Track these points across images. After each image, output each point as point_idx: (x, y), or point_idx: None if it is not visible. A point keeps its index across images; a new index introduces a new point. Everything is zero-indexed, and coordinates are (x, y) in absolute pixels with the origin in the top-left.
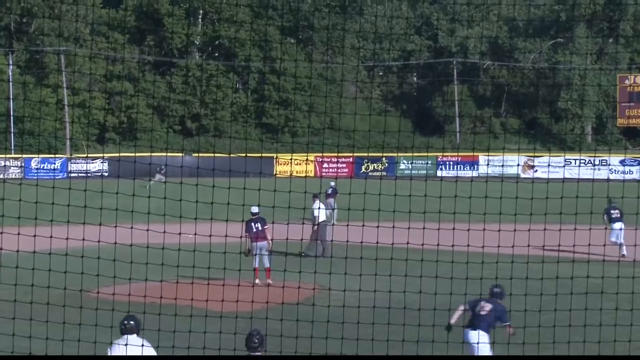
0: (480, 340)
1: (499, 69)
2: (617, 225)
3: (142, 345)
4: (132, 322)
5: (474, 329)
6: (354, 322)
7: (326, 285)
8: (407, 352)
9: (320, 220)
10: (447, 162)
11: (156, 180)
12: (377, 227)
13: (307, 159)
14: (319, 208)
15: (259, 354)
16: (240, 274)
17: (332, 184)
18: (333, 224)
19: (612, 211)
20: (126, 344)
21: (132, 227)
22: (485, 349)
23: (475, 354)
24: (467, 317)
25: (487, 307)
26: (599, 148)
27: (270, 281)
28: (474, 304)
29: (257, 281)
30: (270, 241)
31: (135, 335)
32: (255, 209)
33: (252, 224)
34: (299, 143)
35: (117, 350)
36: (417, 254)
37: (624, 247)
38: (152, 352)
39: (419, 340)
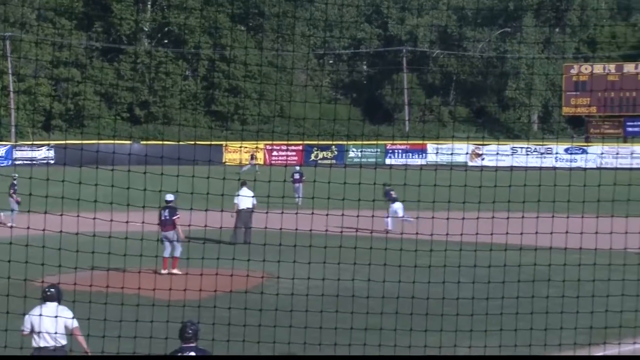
0: None
1: (447, 57)
2: (397, 205)
3: (57, 317)
4: (52, 290)
5: None
6: (303, 310)
7: (275, 274)
8: (354, 341)
9: (241, 207)
10: (396, 151)
11: (246, 169)
12: (327, 215)
13: (256, 147)
14: (238, 195)
15: (192, 344)
16: (189, 262)
17: (297, 168)
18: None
19: (391, 192)
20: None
21: (78, 216)
22: None
23: None
24: None
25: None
26: (545, 137)
27: (176, 271)
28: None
29: (163, 271)
30: (179, 231)
31: (56, 303)
32: (169, 197)
33: (163, 211)
34: (248, 131)
35: (35, 313)
36: (365, 242)
37: (404, 222)
38: (69, 314)
39: (367, 329)
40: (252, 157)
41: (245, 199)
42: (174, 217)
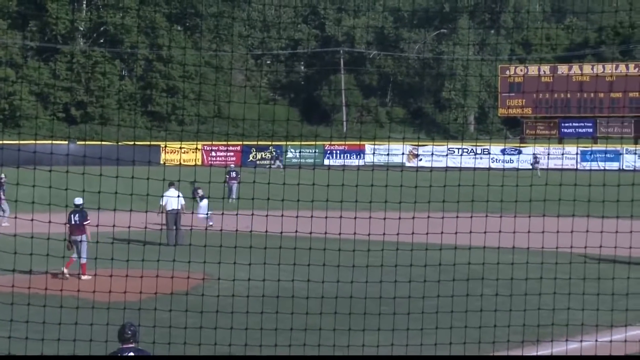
0: None
1: (384, 58)
2: (204, 202)
3: None
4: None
5: None
6: (243, 311)
7: (215, 275)
8: (294, 341)
9: (169, 209)
10: (334, 151)
11: (275, 167)
12: (267, 215)
13: (196, 147)
14: (164, 196)
15: (131, 345)
16: (128, 264)
17: (233, 165)
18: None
19: (198, 190)
20: None
21: (15, 217)
22: None
23: None
24: None
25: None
26: (480, 137)
27: (85, 277)
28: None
29: (65, 270)
30: (88, 234)
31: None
32: (78, 200)
33: (72, 215)
34: (187, 131)
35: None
36: (305, 242)
37: (210, 220)
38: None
39: (306, 329)
40: (277, 156)
41: (172, 200)
42: (85, 222)
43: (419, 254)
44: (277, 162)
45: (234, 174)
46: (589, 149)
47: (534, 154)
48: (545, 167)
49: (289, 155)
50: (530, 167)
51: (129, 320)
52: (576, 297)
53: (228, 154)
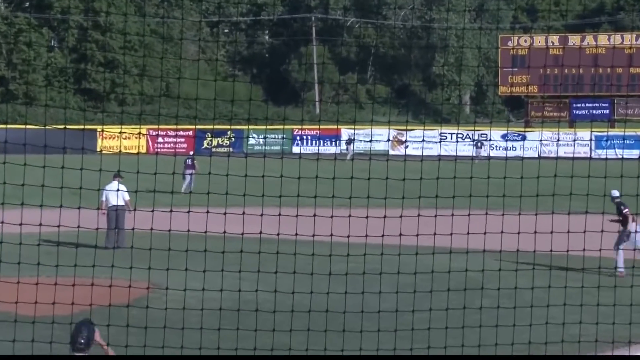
0: None
1: (364, 27)
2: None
3: None
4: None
5: None
6: (197, 327)
7: (162, 284)
8: None
9: (110, 205)
10: (305, 137)
11: (350, 155)
12: (225, 213)
13: (139, 133)
14: (106, 190)
15: (84, 354)
16: (58, 269)
17: (191, 153)
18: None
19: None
20: None
21: None
22: None
23: None
24: None
25: None
26: (478, 120)
27: None
28: None
29: None
30: None
31: None
32: None
33: None
34: (128, 113)
35: None
36: (271, 245)
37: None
38: None
39: (273, 349)
40: (349, 141)
41: (112, 194)
42: None
43: (408, 259)
44: (349, 150)
45: (189, 162)
46: (605, 134)
47: (476, 139)
48: (554, 155)
49: (252, 141)
50: (474, 155)
51: (86, 319)
52: (590, 308)
53: (178, 140)
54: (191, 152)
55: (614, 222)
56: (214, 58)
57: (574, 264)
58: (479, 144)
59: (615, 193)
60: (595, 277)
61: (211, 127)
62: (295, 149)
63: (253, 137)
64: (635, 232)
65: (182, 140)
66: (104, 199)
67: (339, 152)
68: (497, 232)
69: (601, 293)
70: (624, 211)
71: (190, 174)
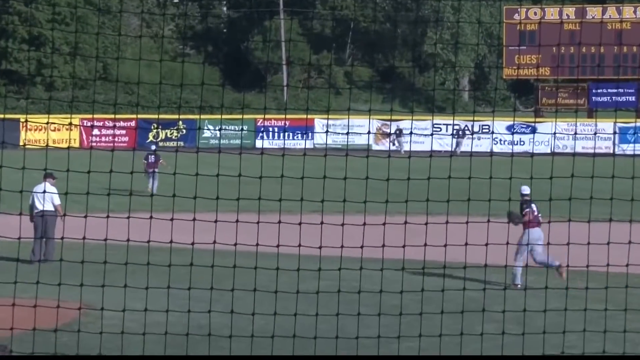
0: None
1: None
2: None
3: None
4: None
5: None
6: (138, 354)
7: (97, 304)
8: None
9: (36, 210)
10: (271, 128)
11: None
12: (172, 219)
13: (70, 123)
14: (34, 192)
15: None
16: None
17: (153, 147)
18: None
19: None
20: None
21: None
22: None
23: None
24: None
25: None
26: (479, 109)
27: None
28: None
29: None
30: None
31: None
32: None
33: None
34: (58, 100)
35: None
36: (227, 258)
37: None
38: None
39: None
40: (399, 132)
41: (41, 197)
42: None
43: (393, 276)
44: (400, 143)
45: (152, 158)
46: (631, 125)
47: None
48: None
49: (206, 134)
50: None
51: (1, 346)
52: (614, 335)
53: (117, 132)
54: (153, 147)
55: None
56: (160, 34)
57: (596, 281)
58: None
59: (526, 190)
60: (622, 298)
61: (157, 116)
62: (259, 143)
63: (208, 129)
64: (535, 243)
65: (123, 132)
66: (32, 202)
67: (313, 146)
68: (501, 243)
69: (629, 317)
70: (524, 211)
71: (152, 172)
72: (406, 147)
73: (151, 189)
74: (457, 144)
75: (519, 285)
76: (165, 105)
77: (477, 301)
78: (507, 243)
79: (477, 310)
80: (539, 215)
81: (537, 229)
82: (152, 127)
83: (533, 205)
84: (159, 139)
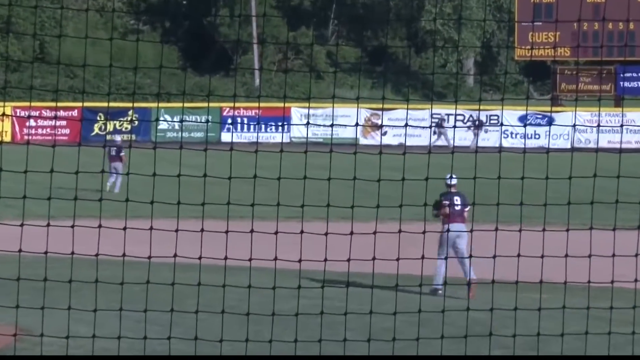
0: None
1: None
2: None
3: None
4: None
5: None
6: None
7: (35, 329)
8: None
9: None
10: (239, 119)
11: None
12: (124, 228)
13: (2, 113)
14: None
15: None
16: None
17: (118, 139)
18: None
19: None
20: None
21: None
22: None
23: None
24: None
25: None
26: (486, 97)
27: None
28: None
29: None
30: None
31: None
32: None
33: None
34: None
35: None
36: (190, 273)
37: None
38: None
39: None
40: (440, 123)
41: None
42: None
43: (385, 294)
44: (444, 135)
45: (114, 151)
46: None
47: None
48: (593, 145)
49: (163, 126)
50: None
51: None
52: None
53: (58, 123)
54: (117, 138)
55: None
56: (108, 7)
57: (622, 300)
58: (477, 123)
59: (452, 180)
60: None
61: (105, 104)
62: (225, 137)
63: (165, 120)
64: (456, 235)
65: (63, 123)
66: None
67: (290, 140)
68: (511, 254)
69: None
70: (441, 203)
71: (116, 170)
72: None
73: (111, 187)
74: (474, 137)
75: (439, 291)
76: (115, 91)
77: (483, 324)
78: (519, 255)
79: (483, 335)
80: (465, 208)
81: (457, 224)
82: (98, 118)
83: (457, 198)
84: (106, 131)
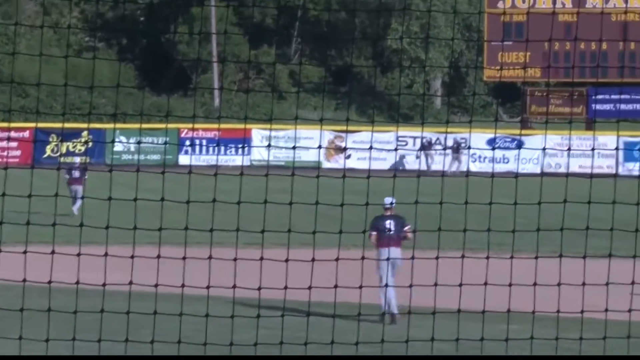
0: None
1: None
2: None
3: None
4: None
5: None
6: None
7: None
8: None
9: None
10: (198, 141)
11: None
12: (79, 254)
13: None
14: None
15: None
16: None
17: (77, 160)
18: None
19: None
20: None
21: None
22: None
23: None
24: None
25: None
26: (454, 118)
27: None
28: None
29: None
30: None
31: None
32: None
33: None
34: None
35: None
36: (146, 303)
37: None
38: None
39: None
40: (457, 147)
41: None
42: None
43: (347, 324)
44: (459, 160)
45: (76, 173)
46: (639, 139)
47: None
48: (563, 170)
49: (118, 147)
50: (453, 161)
51: None
52: None
53: (9, 144)
54: (77, 160)
55: None
56: (62, 22)
57: (592, 331)
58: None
59: (388, 200)
60: (623, 350)
61: (58, 125)
62: (183, 159)
63: (120, 141)
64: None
65: (14, 145)
66: None
67: (250, 163)
68: (478, 283)
69: None
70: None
71: (76, 193)
72: (464, 165)
73: (77, 209)
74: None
75: (386, 314)
76: (68, 111)
77: (449, 355)
78: (486, 283)
79: None
80: (399, 233)
81: (390, 249)
82: (51, 139)
83: (389, 222)
84: (59, 153)
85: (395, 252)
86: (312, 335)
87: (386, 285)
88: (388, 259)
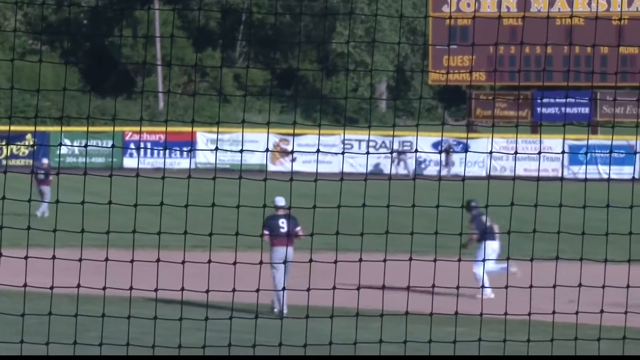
0: None
1: None
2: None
3: None
4: None
5: None
6: None
7: None
8: None
9: None
10: (143, 144)
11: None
12: (26, 257)
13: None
14: None
15: None
16: None
17: (45, 161)
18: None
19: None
20: None
21: None
22: None
23: None
24: None
25: None
26: (399, 122)
27: None
28: None
29: None
30: None
31: None
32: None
33: None
34: None
35: None
36: (93, 305)
37: None
38: None
39: None
40: (449, 149)
41: None
42: None
43: (295, 325)
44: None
45: (42, 175)
46: (583, 142)
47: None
48: (509, 173)
49: (63, 150)
50: (444, 165)
51: None
52: None
53: None
54: (44, 160)
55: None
56: (5, 25)
57: (539, 333)
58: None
59: (280, 202)
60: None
61: (5, 128)
62: (129, 162)
63: (65, 144)
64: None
65: None
66: None
67: (195, 166)
68: (426, 285)
69: None
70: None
71: (44, 194)
72: (455, 167)
73: (43, 211)
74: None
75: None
76: (14, 114)
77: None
78: (433, 286)
79: None
80: (294, 233)
81: (282, 248)
82: None
83: (282, 221)
84: (2, 156)
85: (289, 251)
86: (260, 338)
87: (283, 290)
88: (285, 262)
